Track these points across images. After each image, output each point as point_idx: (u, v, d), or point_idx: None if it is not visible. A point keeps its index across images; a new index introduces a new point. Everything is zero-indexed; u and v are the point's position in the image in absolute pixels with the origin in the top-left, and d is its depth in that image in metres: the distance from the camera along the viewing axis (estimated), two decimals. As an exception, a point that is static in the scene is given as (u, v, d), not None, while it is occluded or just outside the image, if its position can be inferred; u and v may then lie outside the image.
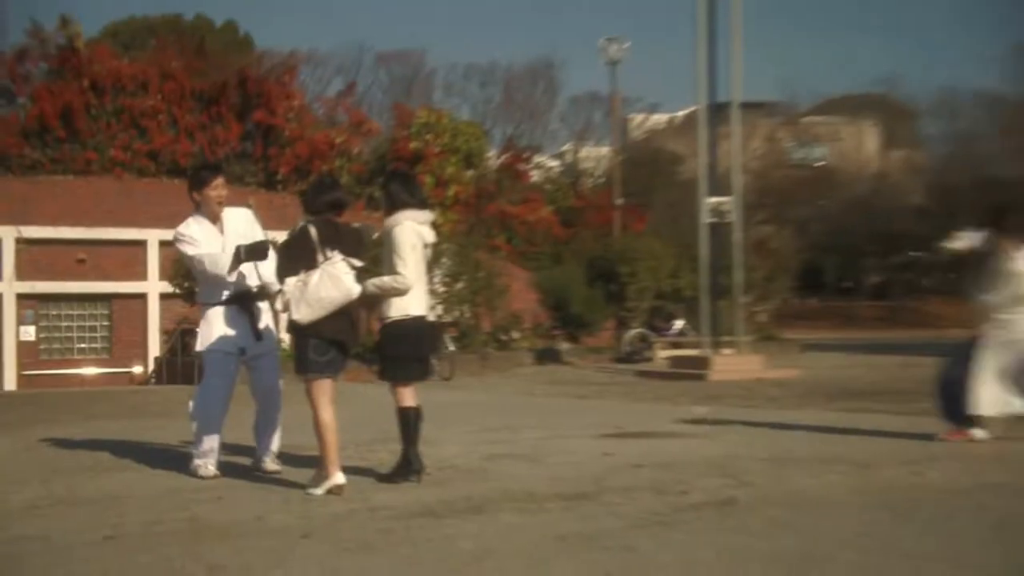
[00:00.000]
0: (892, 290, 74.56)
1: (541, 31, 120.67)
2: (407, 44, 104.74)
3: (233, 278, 7.21)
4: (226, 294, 7.30)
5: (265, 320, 7.39)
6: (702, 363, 18.10)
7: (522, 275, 27.67)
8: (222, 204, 7.43)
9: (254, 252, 7.17)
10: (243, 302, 7.31)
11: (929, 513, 5.68)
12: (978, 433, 8.32)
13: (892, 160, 75.48)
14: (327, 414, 6.57)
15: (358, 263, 6.62)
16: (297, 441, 7.78)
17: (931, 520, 5.50)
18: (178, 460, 7.83)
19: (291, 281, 6.51)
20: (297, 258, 6.57)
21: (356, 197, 32.59)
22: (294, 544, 5.22)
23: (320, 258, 6.50)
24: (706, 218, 18.65)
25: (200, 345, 7.38)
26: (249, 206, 7.74)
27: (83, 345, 27.54)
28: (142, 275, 27.05)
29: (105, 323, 27.64)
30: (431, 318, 7.20)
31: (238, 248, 7.12)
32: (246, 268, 7.26)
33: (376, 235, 7.32)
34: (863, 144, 76.23)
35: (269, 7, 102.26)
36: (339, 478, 6.53)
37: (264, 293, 7.33)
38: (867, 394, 13.66)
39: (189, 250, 7.34)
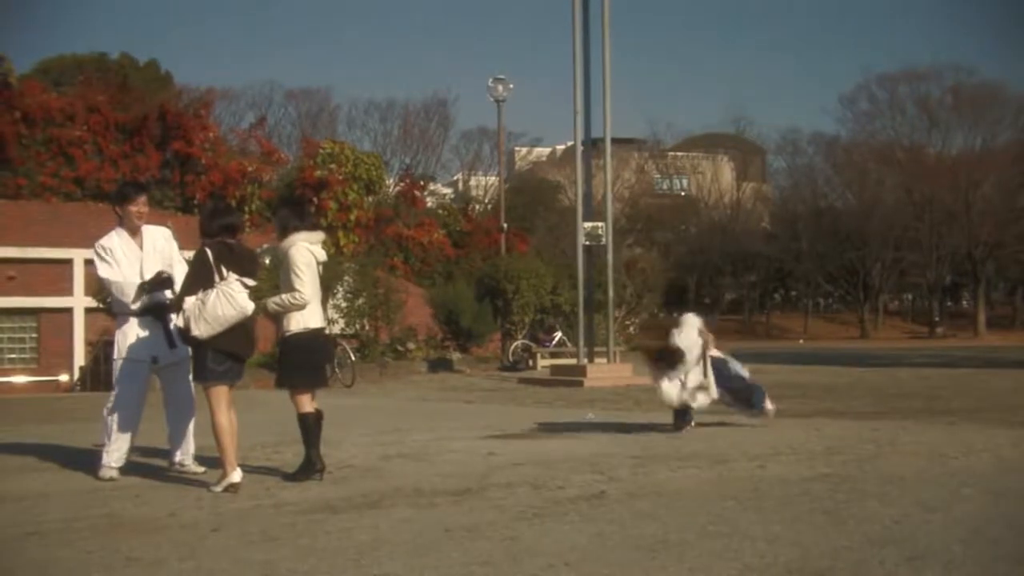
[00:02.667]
0: (745, 305, 76.27)
1: (435, 72, 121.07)
2: (314, 82, 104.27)
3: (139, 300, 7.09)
4: (139, 305, 7.14)
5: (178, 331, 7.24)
6: (578, 371, 18.25)
7: (417, 292, 27.62)
8: (142, 220, 7.28)
9: (158, 284, 7.06)
10: (157, 313, 7.16)
11: (772, 502, 5.82)
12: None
13: (744, 191, 77.32)
14: (224, 418, 6.53)
15: (251, 282, 6.58)
16: (211, 443, 7.64)
17: (774, 508, 5.63)
18: (99, 461, 7.63)
19: (190, 300, 6.46)
20: (196, 279, 6.52)
21: (266, 221, 32.23)
22: (205, 537, 5.14)
23: (216, 278, 6.45)
24: (582, 241, 18.82)
25: (116, 353, 7.20)
26: (168, 228, 7.62)
27: (13, 355, 27.03)
28: (68, 291, 26.70)
29: (34, 335, 27.17)
30: (327, 331, 7.16)
31: (142, 284, 7.01)
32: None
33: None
34: (719, 176, 77.91)
35: (188, 47, 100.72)
36: (235, 476, 6.48)
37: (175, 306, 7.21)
38: (722, 397, 13.90)
39: (102, 270, 7.17)
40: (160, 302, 7.16)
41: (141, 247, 7.23)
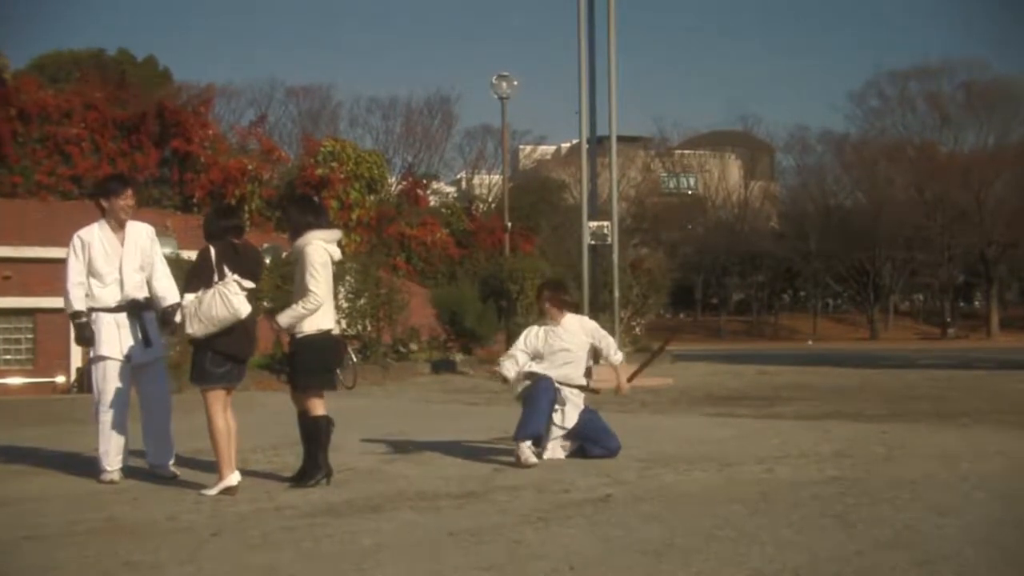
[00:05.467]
0: (752, 306, 76.29)
1: (438, 69, 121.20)
2: (315, 79, 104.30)
3: (109, 292, 7.07)
4: (116, 302, 7.11)
5: (153, 330, 7.20)
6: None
7: (420, 292, 27.62)
8: (128, 215, 7.21)
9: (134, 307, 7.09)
10: (132, 310, 7.12)
11: (780, 506, 5.82)
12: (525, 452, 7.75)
13: (752, 189, 77.31)
14: (220, 422, 6.52)
15: (250, 284, 6.56)
16: (205, 446, 7.65)
17: (782, 512, 5.63)
18: (98, 466, 7.63)
19: (189, 297, 6.47)
20: (197, 277, 6.53)
21: (267, 220, 32.28)
22: (204, 541, 5.14)
23: (216, 278, 6.45)
24: (588, 240, 18.82)
25: (93, 352, 7.14)
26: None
27: (8, 357, 27.00)
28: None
29: (29, 336, 27.13)
30: (336, 332, 7.14)
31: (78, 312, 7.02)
32: (136, 279, 7.13)
33: (285, 254, 7.29)
34: (727, 175, 77.94)
35: (187, 43, 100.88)
36: (232, 479, 6.48)
37: (151, 304, 7.20)
38: (729, 399, 13.92)
39: (69, 265, 7.12)
40: (135, 299, 7.14)
41: (123, 243, 7.16)
